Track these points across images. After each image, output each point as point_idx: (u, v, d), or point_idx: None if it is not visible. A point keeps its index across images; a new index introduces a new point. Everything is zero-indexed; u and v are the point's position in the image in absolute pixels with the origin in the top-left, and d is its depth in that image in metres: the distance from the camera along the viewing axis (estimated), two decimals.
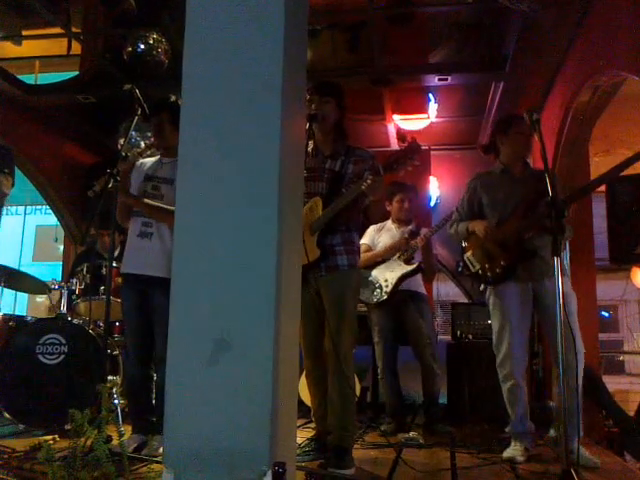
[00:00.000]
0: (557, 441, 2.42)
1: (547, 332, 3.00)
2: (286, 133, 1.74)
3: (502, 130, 3.10)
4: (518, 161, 3.10)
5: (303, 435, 3.19)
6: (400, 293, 3.79)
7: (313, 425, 3.09)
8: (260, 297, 1.63)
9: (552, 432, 2.91)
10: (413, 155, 2.49)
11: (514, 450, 2.88)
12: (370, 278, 3.84)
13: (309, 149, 2.82)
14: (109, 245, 2.79)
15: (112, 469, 1.96)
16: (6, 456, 2.42)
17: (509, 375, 2.93)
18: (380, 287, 3.78)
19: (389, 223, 4.06)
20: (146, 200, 2.93)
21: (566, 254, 3.09)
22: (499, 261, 2.96)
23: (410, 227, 4.00)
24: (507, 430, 3.00)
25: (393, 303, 3.81)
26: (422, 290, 4.00)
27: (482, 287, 3.09)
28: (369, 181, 2.49)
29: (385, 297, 3.76)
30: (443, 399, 4.24)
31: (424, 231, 3.96)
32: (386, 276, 3.81)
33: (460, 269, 3.28)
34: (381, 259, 3.87)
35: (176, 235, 1.76)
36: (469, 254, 3.08)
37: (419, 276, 3.90)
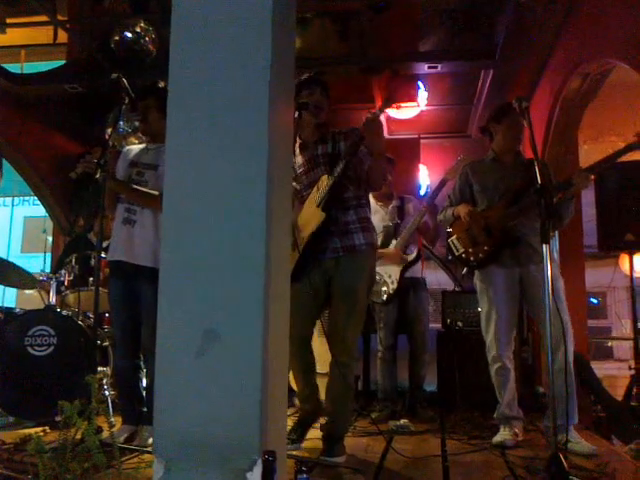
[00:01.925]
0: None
1: (535, 317, 3.04)
2: (274, 121, 1.73)
3: (496, 119, 3.11)
4: (509, 150, 3.11)
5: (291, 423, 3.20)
6: (402, 282, 3.81)
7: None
8: (249, 287, 1.63)
9: (545, 421, 2.94)
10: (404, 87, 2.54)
11: (503, 435, 2.91)
12: None
13: (297, 145, 2.84)
14: (100, 232, 2.77)
15: (103, 460, 1.95)
16: None
17: (496, 357, 2.97)
18: (386, 283, 3.79)
19: (373, 203, 4.02)
20: (134, 186, 2.92)
21: (555, 241, 3.12)
22: (482, 246, 2.99)
23: (394, 203, 4.01)
24: (495, 416, 3.03)
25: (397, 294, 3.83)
26: (419, 275, 4.03)
27: (465, 271, 3.12)
28: (364, 120, 2.48)
29: (392, 293, 3.78)
30: (433, 387, 4.28)
31: (409, 207, 4.00)
32: (389, 271, 3.82)
33: (450, 257, 3.30)
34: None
35: (164, 225, 1.74)
36: (454, 238, 3.12)
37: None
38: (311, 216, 2.66)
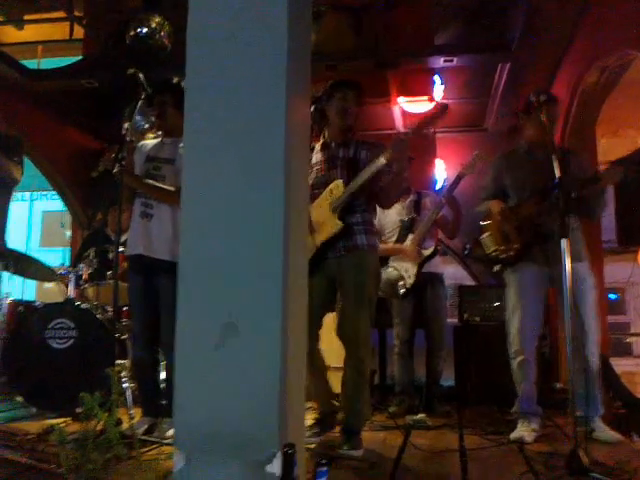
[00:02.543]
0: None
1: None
2: (291, 116, 1.73)
3: (525, 110, 3.01)
4: (541, 143, 2.99)
5: (311, 417, 3.21)
6: (419, 276, 3.79)
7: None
8: (267, 280, 1.63)
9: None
10: (441, 114, 2.68)
11: (522, 430, 2.90)
12: (388, 269, 3.80)
13: (318, 145, 2.87)
14: (118, 226, 2.81)
15: (123, 451, 1.98)
16: (19, 438, 2.46)
17: (519, 351, 2.95)
18: (402, 278, 3.77)
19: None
20: (150, 181, 2.94)
21: (581, 239, 3.04)
22: (513, 244, 2.96)
23: (411, 197, 4.00)
24: (513, 410, 3.01)
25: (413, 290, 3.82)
26: (438, 270, 4.00)
27: (496, 268, 3.09)
28: (395, 139, 2.56)
29: (409, 288, 3.76)
30: (450, 381, 4.27)
31: (426, 201, 3.98)
32: (405, 265, 3.79)
33: (467, 252, 3.27)
34: (391, 254, 3.85)
35: (183, 221, 1.75)
36: (485, 235, 3.08)
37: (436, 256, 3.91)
38: (325, 220, 2.70)
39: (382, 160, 2.57)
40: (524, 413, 2.95)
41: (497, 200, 3.07)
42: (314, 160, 2.87)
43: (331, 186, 2.73)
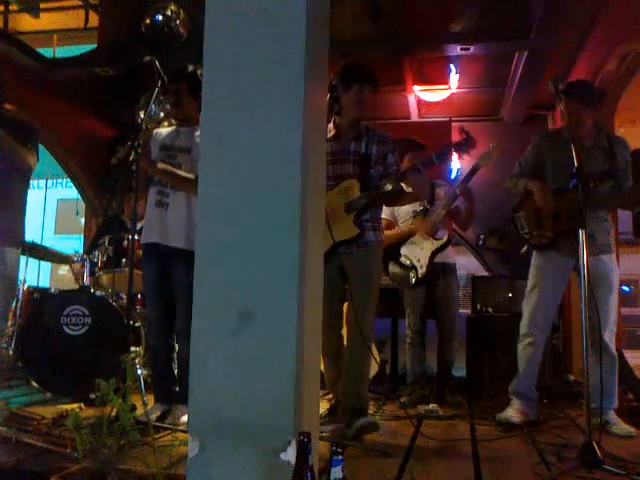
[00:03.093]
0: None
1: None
2: (309, 103, 1.72)
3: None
4: (584, 127, 2.92)
5: (323, 405, 3.23)
6: (431, 266, 3.78)
7: (330, 396, 3.13)
8: (284, 269, 1.63)
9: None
10: (468, 147, 2.80)
11: (510, 411, 2.93)
12: (400, 259, 3.79)
13: (331, 134, 2.90)
14: (133, 214, 2.82)
15: (137, 437, 2.00)
16: (36, 423, 2.49)
17: (527, 334, 2.97)
18: (414, 268, 3.74)
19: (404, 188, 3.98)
20: (167, 167, 2.94)
21: (610, 230, 3.00)
22: (547, 232, 2.94)
23: None
24: (510, 390, 3.02)
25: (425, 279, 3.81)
26: (451, 260, 3.97)
27: (524, 250, 3.08)
28: (412, 166, 2.77)
29: (420, 278, 3.74)
30: (462, 372, 4.26)
31: (440, 192, 3.95)
32: (417, 255, 3.77)
33: (481, 242, 3.25)
34: (403, 238, 3.84)
35: (200, 206, 1.76)
36: (521, 214, 3.05)
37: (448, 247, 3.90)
38: (340, 218, 2.75)
39: (388, 187, 2.75)
40: (519, 394, 2.96)
41: (541, 182, 3.00)
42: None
43: (346, 185, 2.80)
